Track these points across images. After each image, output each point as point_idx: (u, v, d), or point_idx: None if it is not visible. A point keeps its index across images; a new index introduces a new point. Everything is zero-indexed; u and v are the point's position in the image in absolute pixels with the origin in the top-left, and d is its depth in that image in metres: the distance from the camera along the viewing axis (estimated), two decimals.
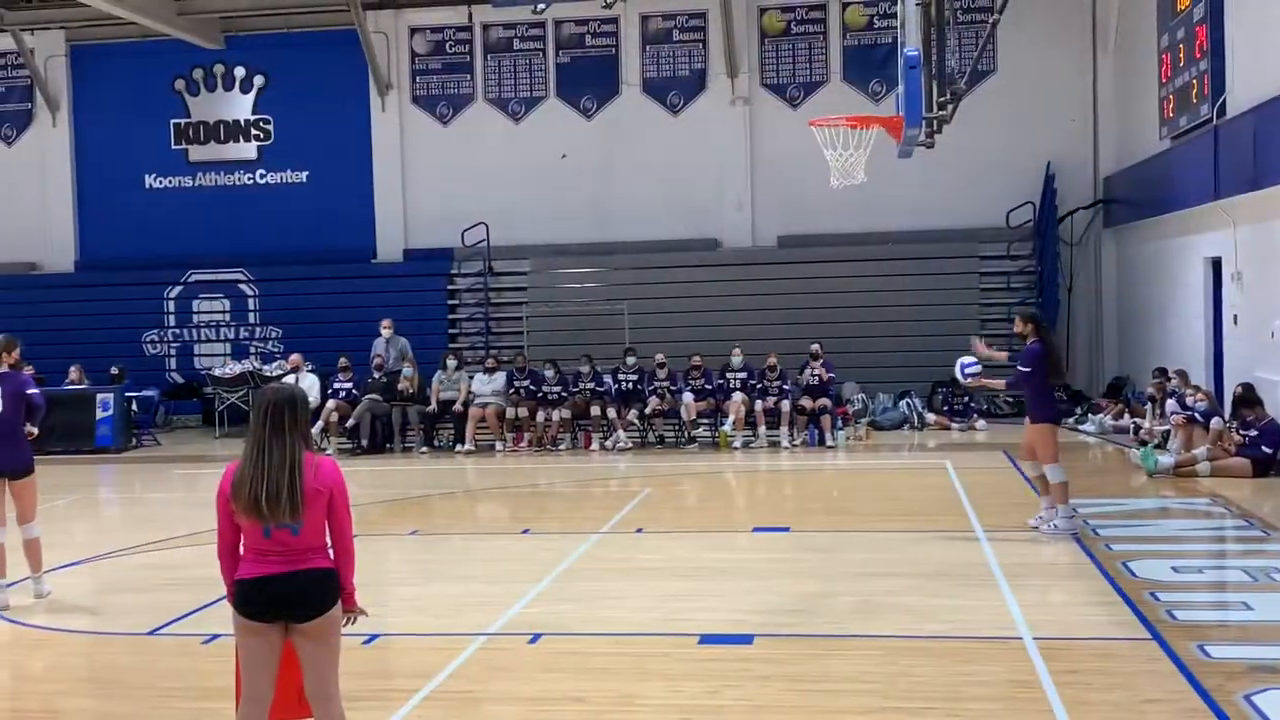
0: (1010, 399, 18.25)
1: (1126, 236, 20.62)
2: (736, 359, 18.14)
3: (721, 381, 18.06)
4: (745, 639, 7.58)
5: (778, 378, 17.90)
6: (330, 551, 4.97)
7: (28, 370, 10.55)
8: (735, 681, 6.80)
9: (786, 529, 11.47)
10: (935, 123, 11.47)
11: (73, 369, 19.61)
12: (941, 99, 11.36)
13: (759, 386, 17.88)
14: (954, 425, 18.91)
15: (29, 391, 8.98)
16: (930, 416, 19.29)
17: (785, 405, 17.71)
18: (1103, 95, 21.21)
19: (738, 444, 17.48)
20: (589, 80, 22.60)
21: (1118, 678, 6.71)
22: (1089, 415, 18.74)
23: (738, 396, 17.75)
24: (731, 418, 17.63)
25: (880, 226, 21.36)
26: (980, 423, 18.96)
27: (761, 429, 17.67)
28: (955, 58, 12.29)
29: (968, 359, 11.57)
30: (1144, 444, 14.93)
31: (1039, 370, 10.70)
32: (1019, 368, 10.90)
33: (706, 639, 7.62)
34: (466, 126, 22.95)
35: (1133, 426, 16.82)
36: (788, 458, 16.94)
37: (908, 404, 19.64)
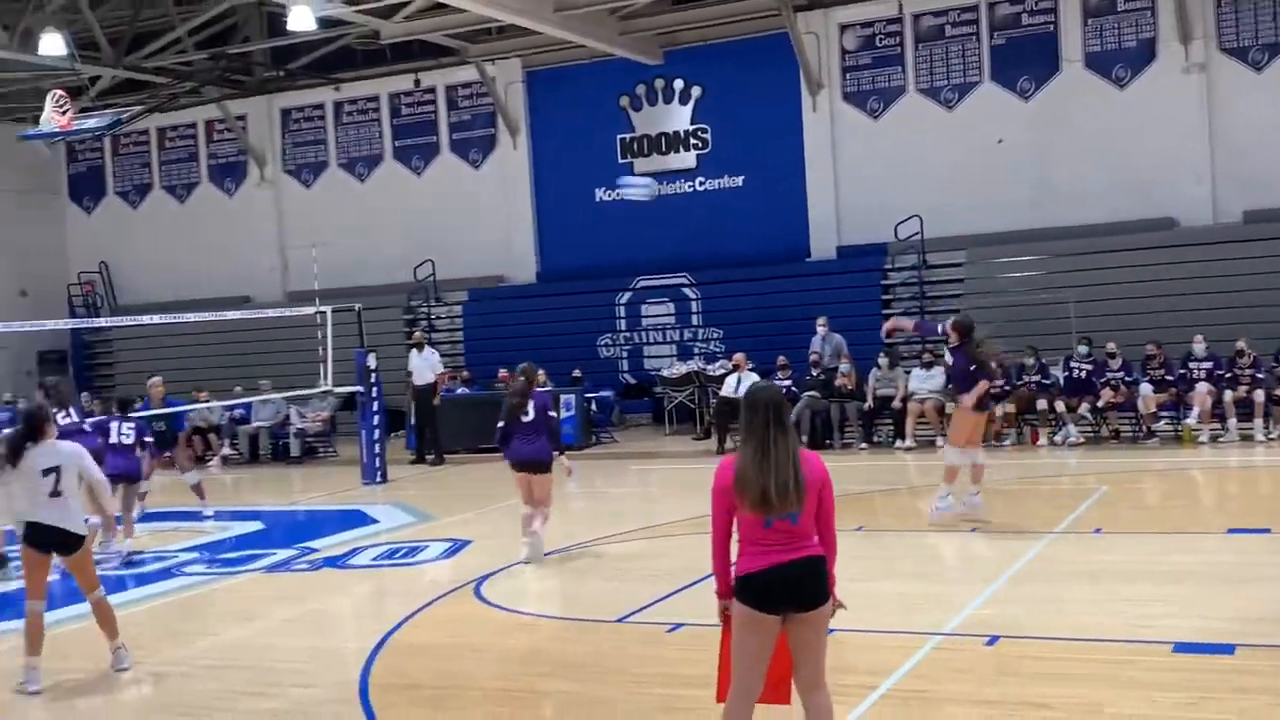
0: None
1: None
2: (1199, 347, 16.84)
3: (1183, 371, 16.82)
4: (1225, 648, 7.02)
5: (1250, 365, 16.46)
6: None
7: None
8: (1216, 693, 6.32)
9: (1266, 530, 10.52)
10: None
11: (539, 373, 21.08)
12: None
13: (1227, 375, 16.52)
14: None
15: (550, 413, 11.18)
16: None
17: (1259, 395, 16.25)
18: None
19: (1204, 438, 16.24)
20: (1026, 60, 21.75)
21: None
22: None
23: (1202, 387, 16.47)
24: (1196, 410, 16.39)
25: None
26: None
27: (1231, 422, 16.32)
28: None
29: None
30: None
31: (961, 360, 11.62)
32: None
33: (1181, 647, 7.12)
34: (898, 119, 22.73)
35: None
36: (1264, 453, 15.55)
37: None
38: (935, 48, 22.39)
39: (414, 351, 20.00)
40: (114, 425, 12.56)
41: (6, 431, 9.90)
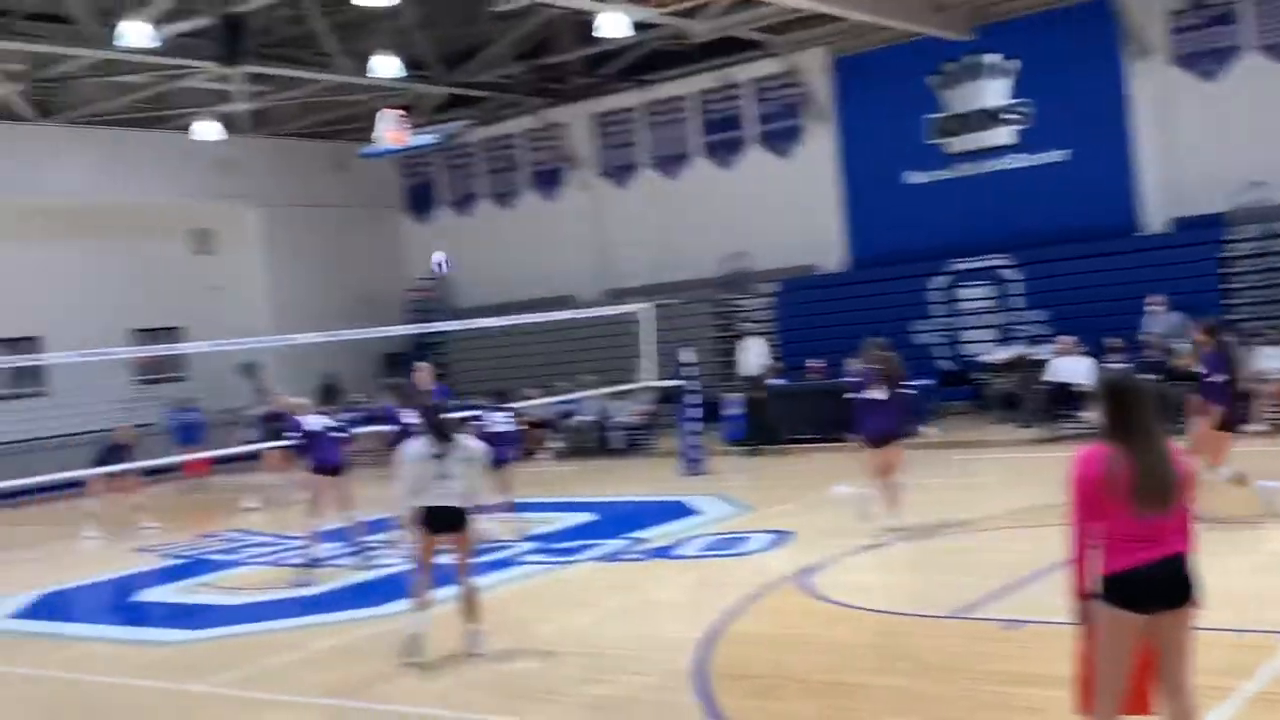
0: None
1: None
2: None
3: None
4: None
5: None
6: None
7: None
8: None
9: None
10: None
11: (854, 363, 20.91)
12: None
13: None
14: None
15: (903, 391, 11.95)
16: None
17: None
18: None
19: None
20: None
21: None
22: None
23: None
24: None
25: None
26: None
27: None
28: None
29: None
30: None
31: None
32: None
33: None
34: (1236, 80, 21.10)
35: None
36: None
37: None
38: (1275, 2, 20.68)
39: (742, 343, 20.35)
40: (489, 415, 13.73)
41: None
